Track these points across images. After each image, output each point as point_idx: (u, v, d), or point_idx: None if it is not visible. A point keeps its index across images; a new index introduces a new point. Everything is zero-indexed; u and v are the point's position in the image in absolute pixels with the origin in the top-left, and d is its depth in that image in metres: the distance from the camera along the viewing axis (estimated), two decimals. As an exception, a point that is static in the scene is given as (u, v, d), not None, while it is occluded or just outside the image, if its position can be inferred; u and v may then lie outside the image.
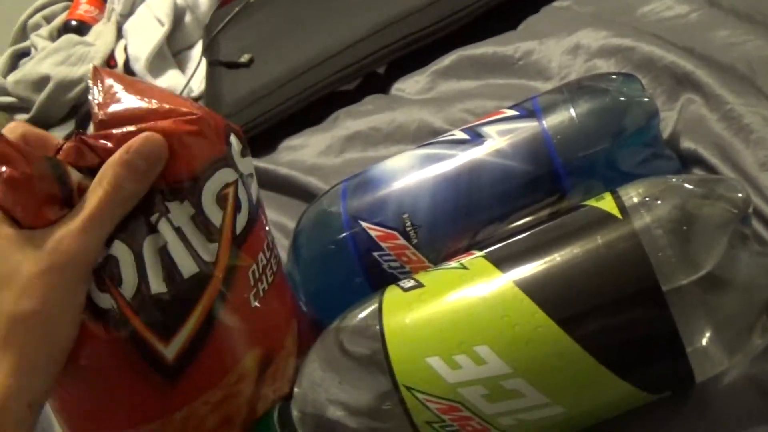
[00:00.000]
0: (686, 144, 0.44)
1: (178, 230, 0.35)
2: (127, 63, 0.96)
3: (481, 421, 0.33)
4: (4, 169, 0.33)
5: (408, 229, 0.41)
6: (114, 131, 0.35)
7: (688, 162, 0.44)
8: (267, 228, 0.42)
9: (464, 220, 0.41)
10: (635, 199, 0.33)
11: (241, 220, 0.38)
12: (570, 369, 0.32)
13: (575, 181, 0.40)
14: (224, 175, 0.37)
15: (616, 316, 0.32)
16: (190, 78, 0.86)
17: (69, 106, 0.98)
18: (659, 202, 0.32)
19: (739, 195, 0.33)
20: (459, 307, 0.34)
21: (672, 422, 0.35)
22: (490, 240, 0.39)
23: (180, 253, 0.35)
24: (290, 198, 0.61)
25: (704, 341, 0.32)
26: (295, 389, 0.38)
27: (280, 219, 0.58)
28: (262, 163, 0.64)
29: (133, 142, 0.34)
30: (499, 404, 0.33)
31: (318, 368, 0.36)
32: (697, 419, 0.35)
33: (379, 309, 0.36)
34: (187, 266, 0.35)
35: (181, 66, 0.94)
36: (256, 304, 0.38)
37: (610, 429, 0.35)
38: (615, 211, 0.33)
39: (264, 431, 0.38)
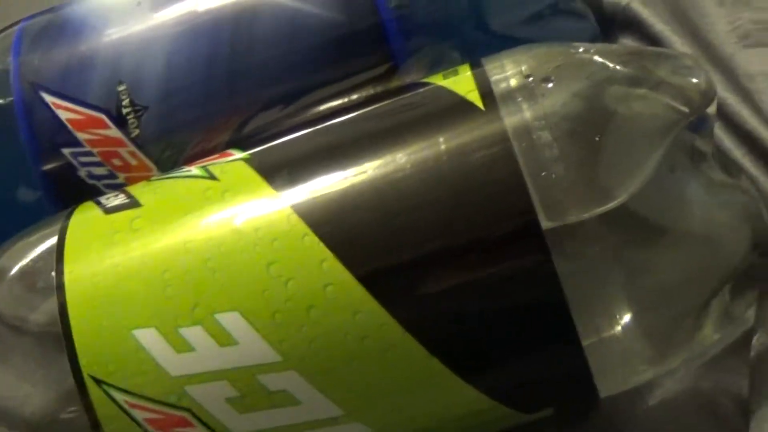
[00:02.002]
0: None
1: None
2: None
3: (224, 445, 0.27)
4: None
5: (125, 110, 0.38)
6: None
7: (615, 26, 0.42)
8: None
9: (222, 100, 0.38)
10: (511, 79, 0.29)
11: None
12: (378, 360, 0.28)
13: (414, 44, 0.37)
14: None
15: (461, 274, 0.27)
16: None
17: None
18: (551, 85, 0.29)
19: (694, 82, 0.30)
20: (195, 245, 0.29)
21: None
22: (263, 135, 0.36)
23: None
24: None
25: (615, 329, 0.28)
26: None
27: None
28: None
29: None
30: (255, 416, 0.28)
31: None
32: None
33: (60, 244, 0.31)
34: None
35: None
36: None
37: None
38: (474, 97, 0.29)
39: None
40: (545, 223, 0.26)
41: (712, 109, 0.29)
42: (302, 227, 0.27)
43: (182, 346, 0.28)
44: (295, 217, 0.28)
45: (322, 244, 0.27)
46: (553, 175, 0.27)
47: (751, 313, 0.30)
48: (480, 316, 0.27)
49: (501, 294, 0.27)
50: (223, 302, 0.27)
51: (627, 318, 0.28)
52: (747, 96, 0.35)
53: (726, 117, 0.34)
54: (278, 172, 0.29)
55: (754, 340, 0.30)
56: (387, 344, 0.27)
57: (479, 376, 0.28)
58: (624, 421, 0.33)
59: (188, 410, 0.28)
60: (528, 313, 0.27)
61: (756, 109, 0.33)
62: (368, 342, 0.27)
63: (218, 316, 0.27)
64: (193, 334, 0.28)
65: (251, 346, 0.27)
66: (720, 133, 0.33)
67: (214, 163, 0.31)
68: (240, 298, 0.27)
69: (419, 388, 0.28)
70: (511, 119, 0.28)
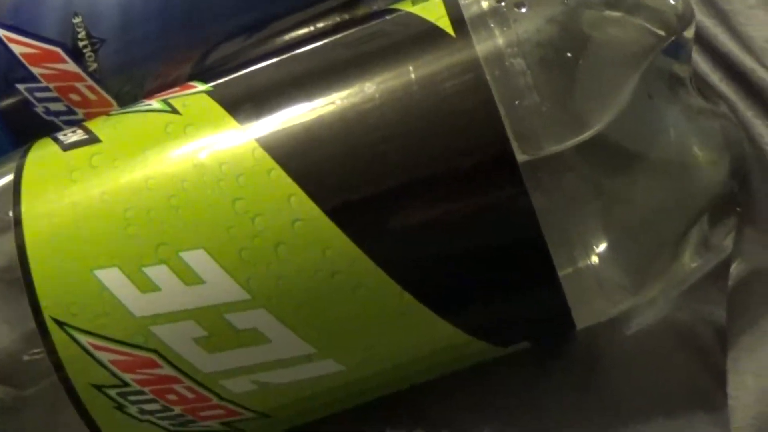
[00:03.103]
0: None
1: None
2: None
3: (193, 385, 0.28)
4: None
5: (81, 43, 0.37)
6: None
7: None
8: None
9: (181, 32, 0.37)
10: (483, 3, 0.28)
11: None
12: (349, 296, 0.27)
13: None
14: None
15: (434, 208, 0.27)
16: None
17: None
18: (524, 10, 0.28)
19: (671, 4, 0.29)
20: (157, 181, 0.28)
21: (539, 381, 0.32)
22: (227, 66, 0.35)
23: None
24: None
25: (592, 260, 0.28)
26: None
27: None
28: None
29: None
30: (224, 355, 0.28)
31: None
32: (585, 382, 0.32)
33: (16, 181, 0.30)
34: None
35: None
36: None
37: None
38: (444, 23, 0.28)
39: None
40: (520, 156, 0.26)
41: (689, 33, 0.29)
42: (268, 162, 0.27)
43: (147, 286, 0.27)
44: (260, 152, 0.27)
45: (289, 179, 0.26)
46: (528, 105, 0.26)
47: (729, 242, 0.29)
48: (453, 250, 0.27)
49: (475, 228, 0.26)
50: (188, 240, 0.27)
51: (604, 248, 0.28)
52: (724, 19, 0.34)
53: (703, 41, 0.33)
54: (242, 104, 0.28)
55: (732, 269, 0.30)
56: (358, 280, 0.26)
57: (454, 312, 0.27)
58: (601, 352, 0.32)
59: (155, 351, 0.27)
60: (503, 247, 0.27)
61: (734, 31, 0.32)
62: (339, 278, 0.26)
63: (183, 255, 0.26)
64: (158, 273, 0.27)
65: (218, 284, 0.27)
66: (697, 57, 0.32)
67: (176, 96, 0.31)
68: (205, 235, 0.27)
69: (392, 325, 0.27)
70: (483, 46, 0.27)
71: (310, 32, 0.36)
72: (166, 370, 0.27)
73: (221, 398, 0.28)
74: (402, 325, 0.27)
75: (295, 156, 0.27)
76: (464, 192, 0.26)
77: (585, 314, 0.29)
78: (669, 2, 0.28)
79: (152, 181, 0.27)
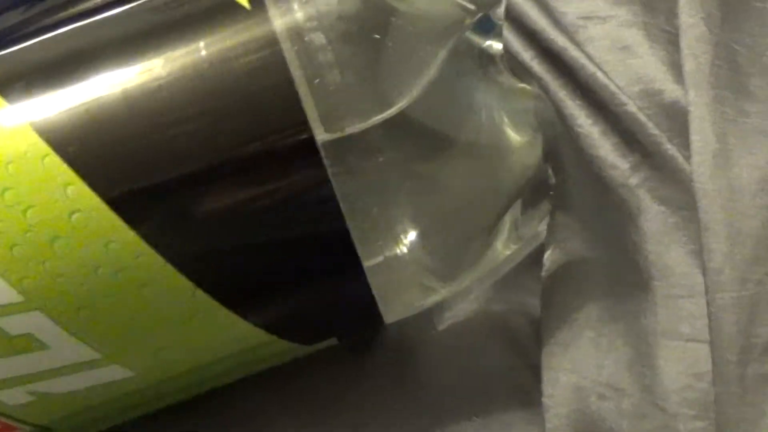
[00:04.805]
0: None
1: None
2: None
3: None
4: None
5: None
6: None
7: None
8: None
9: None
10: None
11: None
12: (135, 295, 0.24)
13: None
14: None
15: (228, 197, 0.24)
16: None
17: None
18: None
19: None
20: None
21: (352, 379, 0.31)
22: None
23: None
24: None
25: (400, 249, 0.26)
26: None
27: None
28: None
29: None
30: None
31: None
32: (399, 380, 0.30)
33: None
34: None
35: None
36: None
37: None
38: None
39: None
40: (321, 136, 0.23)
41: (500, 9, 0.27)
42: (42, 147, 0.24)
43: None
44: (33, 136, 0.24)
45: (65, 166, 0.23)
46: (328, 82, 0.24)
47: (543, 228, 0.28)
48: (251, 242, 0.24)
49: (274, 217, 0.24)
50: (-55, 236, 0.23)
51: (412, 237, 0.26)
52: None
53: (515, 17, 0.32)
54: (14, 82, 0.25)
55: (546, 257, 0.29)
56: (145, 277, 0.24)
57: (253, 309, 0.25)
58: (412, 347, 0.30)
59: None
60: (304, 237, 0.25)
61: (546, 8, 0.30)
62: (124, 275, 0.24)
63: (-60, 251, 0.23)
64: None
65: (-15, 285, 0.23)
66: (509, 35, 0.31)
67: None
68: (-34, 227, 0.23)
69: (185, 326, 0.25)
70: (280, 20, 0.25)
71: (94, 3, 0.33)
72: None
73: (-3, 413, 0.25)
74: (196, 325, 0.25)
75: (73, 141, 0.24)
76: (262, 178, 0.24)
77: (393, 308, 0.27)
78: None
79: None
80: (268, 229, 0.24)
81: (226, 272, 0.24)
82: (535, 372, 0.28)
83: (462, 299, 0.30)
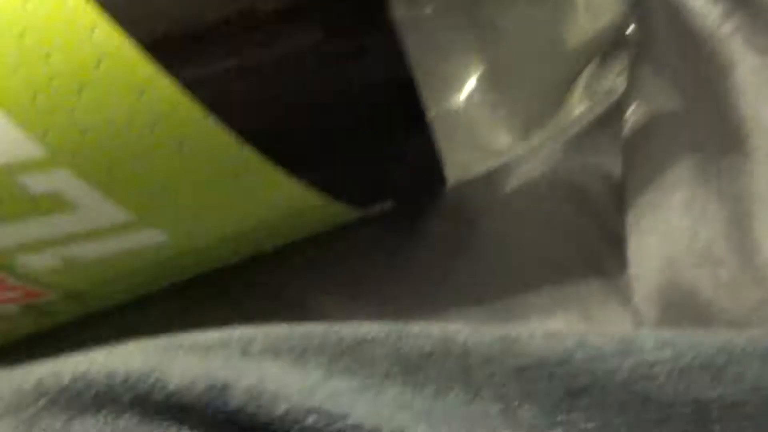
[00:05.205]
0: None
1: None
2: None
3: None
4: None
5: None
6: None
7: None
8: None
9: None
10: None
11: None
12: (174, 151, 0.22)
13: None
14: None
15: (279, 39, 0.21)
16: None
17: None
18: None
19: None
20: None
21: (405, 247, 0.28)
22: None
23: None
24: None
25: (466, 100, 0.23)
26: None
27: None
28: None
29: None
30: (18, 226, 0.23)
31: None
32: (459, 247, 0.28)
33: None
34: None
35: None
36: None
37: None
38: None
39: None
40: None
41: None
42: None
43: None
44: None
45: (92, 5, 0.20)
46: None
47: (621, 82, 0.26)
48: (306, 90, 0.22)
49: (331, 62, 0.21)
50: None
51: (479, 87, 0.23)
52: None
53: None
54: None
55: (628, 113, 0.26)
56: (185, 131, 0.21)
57: (305, 167, 0.23)
58: (478, 212, 0.28)
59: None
60: (365, 85, 0.22)
61: None
62: (160, 129, 0.21)
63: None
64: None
65: (4, 137, 0.21)
66: None
67: None
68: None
69: (229, 185, 0.23)
70: None
71: None
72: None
73: (18, 276, 0.23)
74: (240, 186, 0.23)
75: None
76: (320, 17, 0.21)
77: (458, 166, 0.24)
78: None
79: None
80: (324, 74, 0.21)
81: (276, 126, 0.22)
82: (612, 240, 0.26)
83: (531, 159, 0.28)
